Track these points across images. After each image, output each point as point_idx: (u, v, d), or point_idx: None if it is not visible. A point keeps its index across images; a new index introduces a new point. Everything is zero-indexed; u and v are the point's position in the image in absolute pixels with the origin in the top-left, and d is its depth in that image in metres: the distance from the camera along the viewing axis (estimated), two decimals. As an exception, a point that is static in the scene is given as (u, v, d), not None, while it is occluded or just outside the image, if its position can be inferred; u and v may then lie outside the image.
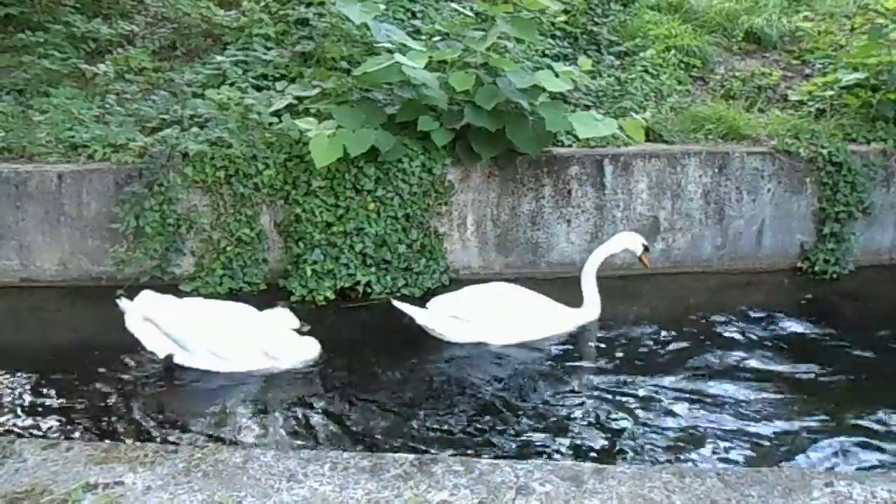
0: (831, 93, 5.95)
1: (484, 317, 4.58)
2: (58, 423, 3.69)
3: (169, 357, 4.16)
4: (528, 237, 5.52)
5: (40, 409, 3.82)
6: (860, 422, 3.73)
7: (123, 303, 4.27)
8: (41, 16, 6.45)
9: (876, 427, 3.69)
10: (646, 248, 4.95)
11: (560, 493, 2.58)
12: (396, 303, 4.62)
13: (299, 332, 4.34)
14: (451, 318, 4.58)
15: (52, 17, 6.44)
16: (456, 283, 5.31)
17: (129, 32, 6.45)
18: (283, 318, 4.33)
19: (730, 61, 6.73)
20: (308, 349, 4.34)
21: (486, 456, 3.29)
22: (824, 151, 5.48)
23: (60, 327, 4.14)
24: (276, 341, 4.28)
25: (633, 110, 5.80)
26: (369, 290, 5.13)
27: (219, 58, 6.01)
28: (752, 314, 4.96)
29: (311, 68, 5.85)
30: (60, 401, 3.90)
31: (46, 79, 5.92)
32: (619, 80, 6.28)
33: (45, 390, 3.99)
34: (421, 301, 5.09)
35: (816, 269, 5.56)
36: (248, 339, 4.23)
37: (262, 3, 6.48)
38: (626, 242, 4.93)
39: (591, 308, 4.81)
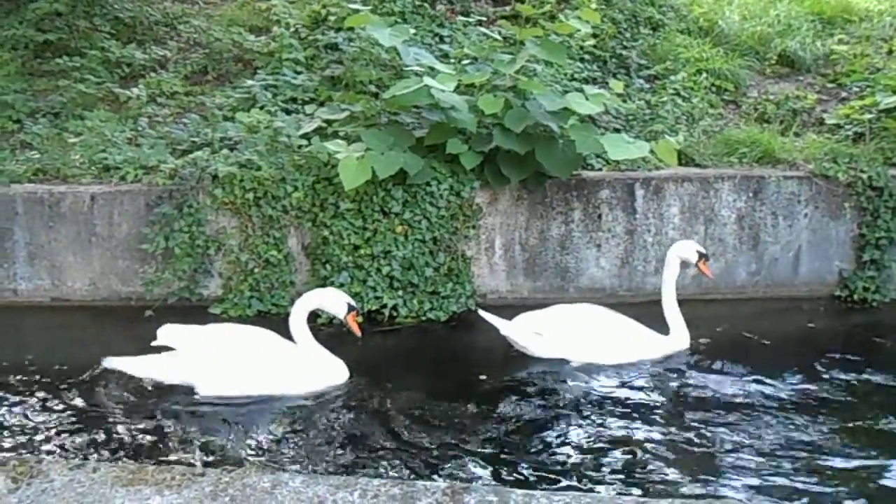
0: (870, 116, 5.83)
1: (568, 335, 4.58)
2: (84, 444, 3.66)
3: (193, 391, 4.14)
4: (557, 261, 5.44)
5: (67, 428, 3.80)
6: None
7: (108, 361, 4.15)
8: (78, 42, 6.57)
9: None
10: (703, 256, 4.77)
11: (598, 526, 2.48)
12: (482, 312, 4.65)
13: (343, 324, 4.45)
14: (536, 333, 4.58)
15: (88, 42, 6.55)
16: (482, 308, 5.25)
17: (162, 57, 6.55)
18: (334, 298, 4.35)
19: (762, 84, 6.65)
20: (336, 373, 4.28)
21: (520, 485, 3.19)
22: (864, 176, 5.36)
23: (89, 347, 4.14)
24: (304, 366, 4.23)
25: (665, 133, 5.73)
26: (395, 314, 5.09)
27: (249, 82, 6.06)
28: (788, 343, 4.83)
29: (340, 92, 5.87)
30: (87, 421, 3.87)
31: (81, 102, 6.01)
32: (650, 104, 6.22)
33: (72, 410, 3.97)
34: (446, 325, 5.06)
35: (856, 297, 5.42)
36: (276, 364, 4.19)
37: (293, 29, 6.54)
38: (680, 253, 4.77)
39: (679, 337, 4.70)
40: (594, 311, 4.70)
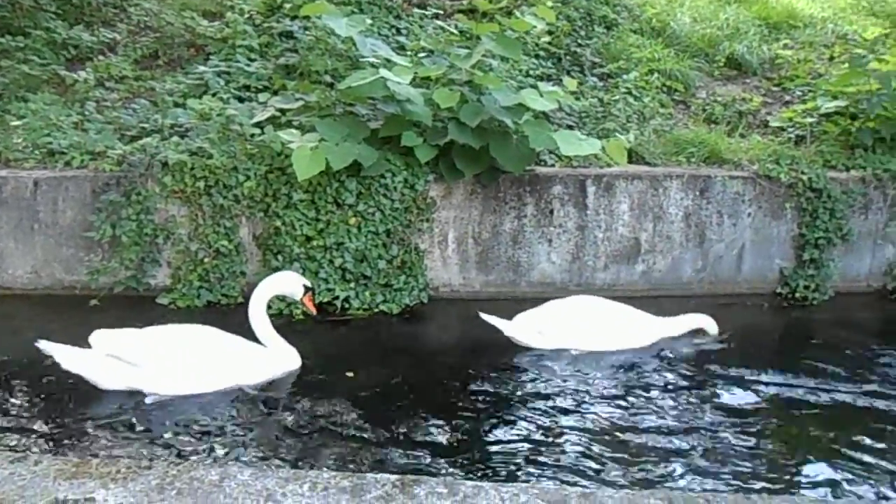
0: (811, 120, 6.04)
1: (570, 328, 4.73)
2: (26, 437, 3.57)
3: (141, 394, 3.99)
4: (510, 256, 5.50)
5: (7, 421, 3.69)
6: (843, 449, 3.73)
7: (44, 344, 3.92)
8: (22, 21, 6.35)
9: (857, 453, 3.69)
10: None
11: (545, 517, 2.53)
12: (484, 316, 4.69)
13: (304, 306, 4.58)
14: (538, 332, 4.71)
15: (33, 22, 6.34)
16: (435, 301, 5.29)
17: (111, 40, 6.39)
18: (291, 280, 4.44)
19: (711, 86, 6.82)
20: (287, 361, 4.29)
21: (471, 477, 3.23)
22: (804, 177, 5.54)
23: (31, 337, 4.03)
24: (251, 357, 4.21)
25: (617, 132, 5.84)
26: (347, 306, 5.08)
27: (201, 68, 5.96)
28: (732, 339, 4.96)
29: (295, 81, 5.81)
30: (29, 414, 3.78)
31: (25, 84, 5.83)
32: (602, 102, 6.32)
33: (13, 402, 3.87)
34: (398, 317, 5.08)
35: (797, 294, 5.60)
36: (223, 358, 4.13)
37: (247, 15, 6.44)
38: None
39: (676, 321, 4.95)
40: (590, 302, 4.88)
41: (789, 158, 5.67)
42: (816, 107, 6.08)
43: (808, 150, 5.86)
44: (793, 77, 6.77)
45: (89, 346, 3.96)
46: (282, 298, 4.97)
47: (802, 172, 5.57)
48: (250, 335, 4.31)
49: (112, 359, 3.94)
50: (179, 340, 4.09)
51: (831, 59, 6.94)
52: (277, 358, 4.28)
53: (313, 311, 4.63)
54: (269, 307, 4.69)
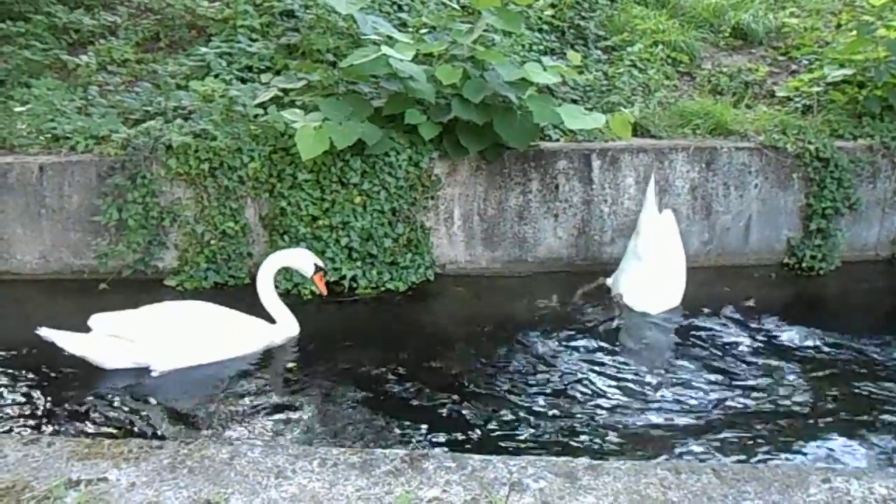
0: (818, 89, 5.97)
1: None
2: (39, 419, 3.62)
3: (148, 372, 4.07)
4: (515, 232, 5.49)
5: (20, 404, 3.74)
6: (852, 417, 3.74)
7: (44, 331, 3.91)
8: (22, 6, 6.34)
9: (867, 422, 3.70)
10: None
11: (554, 490, 2.55)
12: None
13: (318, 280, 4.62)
14: None
15: (33, 7, 6.33)
16: (442, 278, 5.30)
17: (112, 24, 6.36)
18: (302, 257, 4.55)
19: (716, 57, 6.75)
20: (285, 327, 4.41)
21: (478, 451, 3.25)
22: (811, 147, 5.50)
23: (41, 321, 4.06)
24: (250, 325, 4.31)
25: (621, 105, 5.79)
26: (354, 285, 5.09)
27: (203, 49, 5.93)
28: (740, 310, 4.95)
29: (297, 60, 5.78)
30: (40, 396, 3.82)
31: (27, 70, 5.82)
32: (607, 75, 6.27)
33: (24, 386, 3.91)
34: (405, 296, 5.08)
35: (804, 265, 5.58)
36: (223, 328, 4.22)
37: (247, -5, 6.40)
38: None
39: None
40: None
41: (796, 128, 5.62)
42: (823, 75, 6.01)
43: (815, 119, 5.81)
44: (799, 46, 6.69)
45: (89, 330, 4.00)
46: (289, 278, 5.00)
47: (809, 142, 5.52)
48: (258, 315, 4.37)
49: (113, 339, 4.01)
50: (176, 314, 4.18)
51: (838, 26, 6.85)
52: (275, 326, 4.39)
53: (323, 290, 4.69)
54: (276, 286, 4.72)
